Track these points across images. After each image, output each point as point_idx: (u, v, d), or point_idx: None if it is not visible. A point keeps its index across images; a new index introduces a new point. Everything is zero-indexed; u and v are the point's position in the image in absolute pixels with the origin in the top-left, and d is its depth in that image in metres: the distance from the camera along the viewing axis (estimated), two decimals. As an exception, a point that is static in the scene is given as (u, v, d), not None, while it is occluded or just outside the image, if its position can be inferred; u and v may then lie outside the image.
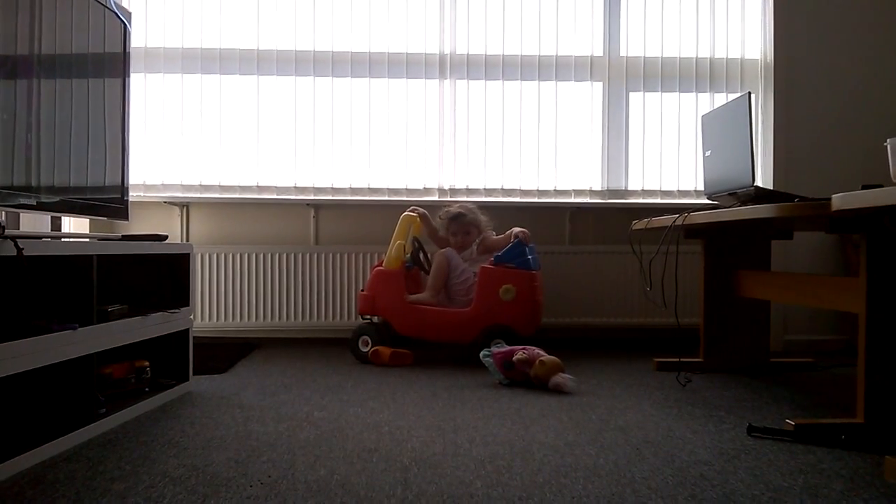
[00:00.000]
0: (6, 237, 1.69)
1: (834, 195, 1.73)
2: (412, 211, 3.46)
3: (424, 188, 3.94)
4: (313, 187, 3.91)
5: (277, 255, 3.83)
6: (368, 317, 3.40)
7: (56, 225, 2.72)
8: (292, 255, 3.84)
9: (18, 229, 2.49)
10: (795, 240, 3.26)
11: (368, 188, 3.93)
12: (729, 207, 2.46)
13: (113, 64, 2.59)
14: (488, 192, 3.95)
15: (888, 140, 1.74)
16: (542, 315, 3.41)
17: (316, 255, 3.84)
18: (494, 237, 3.50)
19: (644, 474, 1.72)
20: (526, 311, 3.25)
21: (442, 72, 3.96)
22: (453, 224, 3.47)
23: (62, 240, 2.29)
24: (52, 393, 2.03)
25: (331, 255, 3.85)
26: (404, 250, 3.36)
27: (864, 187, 1.65)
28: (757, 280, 2.95)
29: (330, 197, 3.91)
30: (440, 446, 1.94)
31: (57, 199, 2.23)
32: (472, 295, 3.28)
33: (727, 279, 3.12)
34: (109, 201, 2.55)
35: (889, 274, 2.04)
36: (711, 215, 2.47)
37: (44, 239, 2.03)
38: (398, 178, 3.95)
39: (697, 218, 2.56)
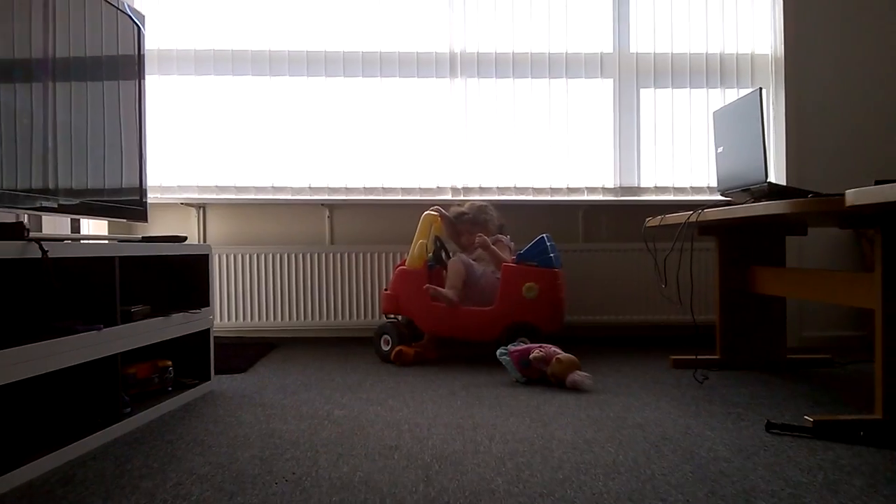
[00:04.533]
0: (31, 239, 1.72)
1: (847, 191, 1.73)
2: (434, 210, 3.48)
3: (437, 187, 3.96)
4: (327, 187, 3.94)
5: (293, 255, 3.86)
6: (393, 316, 3.42)
7: (75, 227, 2.75)
8: (307, 254, 3.87)
9: (41, 231, 2.52)
10: (810, 235, 3.26)
11: (382, 188, 3.95)
12: (742, 204, 2.47)
13: (127, 66, 2.62)
14: (501, 190, 3.96)
15: (903, 135, 1.74)
16: (565, 312, 3.42)
17: (331, 255, 3.87)
18: (501, 244, 3.48)
19: (663, 471, 1.74)
20: (549, 309, 3.26)
21: (452, 70, 3.98)
22: (458, 224, 3.53)
23: (84, 242, 2.32)
24: (79, 393, 2.06)
25: (345, 254, 3.88)
26: (426, 249, 3.38)
27: (878, 182, 1.65)
28: (772, 276, 2.96)
29: (344, 197, 3.93)
30: (460, 444, 1.96)
31: (77, 201, 2.26)
32: (493, 295, 3.30)
33: (742, 275, 3.12)
34: (128, 203, 2.59)
35: (905, 269, 2.04)
36: (725, 212, 2.47)
37: (66, 241, 2.06)
38: (411, 177, 3.97)
39: (711, 215, 2.57)
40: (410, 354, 3.20)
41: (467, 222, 3.51)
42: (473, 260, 3.45)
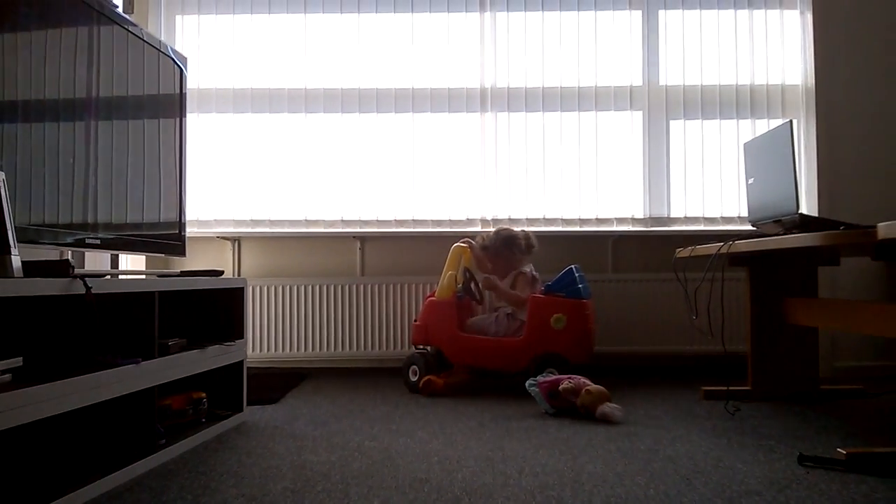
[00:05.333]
0: (76, 276, 1.78)
1: (880, 224, 1.73)
2: (463, 242, 3.52)
3: (468, 219, 4.00)
4: (359, 220, 4.01)
5: (324, 287, 3.91)
6: (422, 346, 3.45)
7: (114, 261, 2.83)
8: (339, 286, 3.92)
9: (83, 266, 2.60)
10: (842, 265, 3.23)
11: (412, 220, 4.01)
12: (773, 235, 2.46)
13: (169, 106, 2.72)
14: (530, 221, 3.99)
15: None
16: (594, 343, 3.42)
17: (362, 287, 3.92)
18: (524, 277, 3.47)
19: (694, 504, 1.73)
20: (577, 340, 3.27)
21: (483, 105, 4.04)
22: (482, 257, 3.54)
23: (125, 277, 2.39)
24: (116, 425, 2.11)
25: (376, 286, 3.93)
26: (455, 281, 3.41)
27: (910, 215, 1.66)
28: (804, 307, 2.94)
29: (375, 229, 3.99)
30: (490, 476, 1.97)
31: (118, 237, 2.34)
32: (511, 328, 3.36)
33: (774, 306, 3.10)
34: (167, 238, 2.66)
35: (939, 301, 2.02)
36: (756, 244, 2.47)
37: (107, 276, 2.13)
38: (442, 209, 4.02)
39: (742, 246, 2.56)
40: (440, 384, 3.21)
41: (491, 255, 3.52)
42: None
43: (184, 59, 2.80)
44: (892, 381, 3.48)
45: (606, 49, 4.05)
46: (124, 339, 2.11)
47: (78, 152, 2.14)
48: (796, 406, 2.91)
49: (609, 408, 2.66)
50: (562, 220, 4.00)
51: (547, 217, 4.00)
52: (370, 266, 4.05)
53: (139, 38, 2.47)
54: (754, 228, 2.94)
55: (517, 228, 3.61)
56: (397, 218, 4.01)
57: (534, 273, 3.50)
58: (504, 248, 3.49)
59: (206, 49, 4.04)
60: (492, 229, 3.86)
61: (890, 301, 3.55)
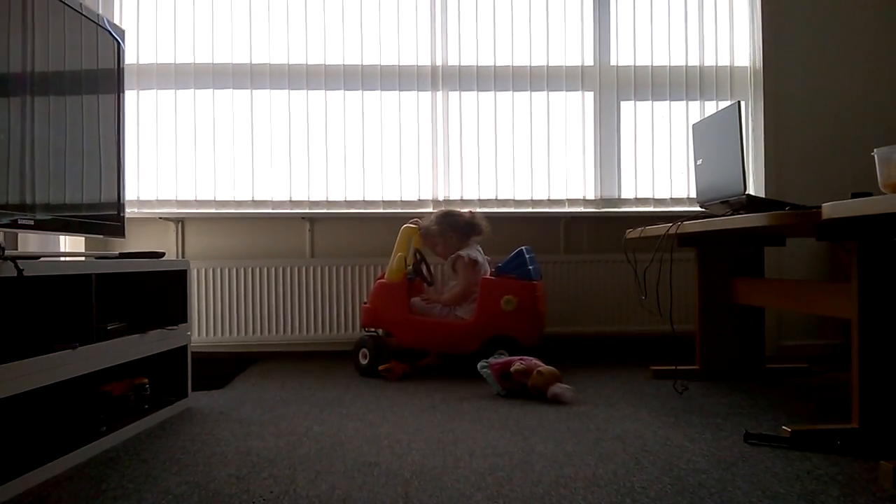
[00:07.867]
0: (6, 258, 1.70)
1: (824, 204, 1.75)
2: (412, 223, 3.48)
3: (419, 199, 3.96)
4: (308, 201, 3.93)
5: (273, 269, 3.83)
6: (372, 329, 3.41)
7: (52, 243, 2.72)
8: (288, 268, 3.84)
9: (17, 249, 2.50)
10: (788, 246, 3.29)
11: (363, 200, 3.95)
12: (721, 215, 2.49)
13: (106, 81, 2.61)
14: (482, 202, 3.96)
15: (875, 150, 1.76)
16: (543, 325, 3.42)
17: (312, 269, 3.85)
18: (460, 265, 3.40)
19: (643, 483, 1.74)
20: (528, 321, 3.26)
21: (434, 83, 3.99)
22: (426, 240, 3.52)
23: (61, 259, 2.30)
24: (53, 412, 2.03)
25: (326, 268, 3.86)
26: (405, 262, 3.37)
27: (854, 195, 1.67)
28: (751, 287, 2.98)
29: (325, 210, 3.92)
30: (440, 459, 1.95)
31: (54, 217, 2.24)
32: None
33: (721, 286, 3.14)
34: (106, 218, 2.56)
35: (880, 280, 2.06)
36: (704, 224, 2.49)
37: (42, 259, 2.04)
38: (393, 189, 3.97)
39: (690, 227, 2.58)
40: (399, 373, 3.17)
41: (434, 239, 3.47)
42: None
43: (121, 33, 2.68)
44: (835, 358, 3.57)
45: (558, 28, 4.03)
46: (61, 323, 2.04)
47: (11, 129, 2.03)
48: (743, 384, 2.96)
49: (560, 388, 2.67)
50: (514, 200, 3.99)
51: (499, 198, 3.98)
52: (320, 247, 3.98)
53: (75, 10, 2.36)
54: (703, 209, 2.97)
55: (465, 210, 3.56)
56: (347, 198, 3.95)
57: (475, 255, 3.41)
58: (445, 228, 3.43)
59: (146, 23, 3.89)
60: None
61: (833, 280, 3.63)
